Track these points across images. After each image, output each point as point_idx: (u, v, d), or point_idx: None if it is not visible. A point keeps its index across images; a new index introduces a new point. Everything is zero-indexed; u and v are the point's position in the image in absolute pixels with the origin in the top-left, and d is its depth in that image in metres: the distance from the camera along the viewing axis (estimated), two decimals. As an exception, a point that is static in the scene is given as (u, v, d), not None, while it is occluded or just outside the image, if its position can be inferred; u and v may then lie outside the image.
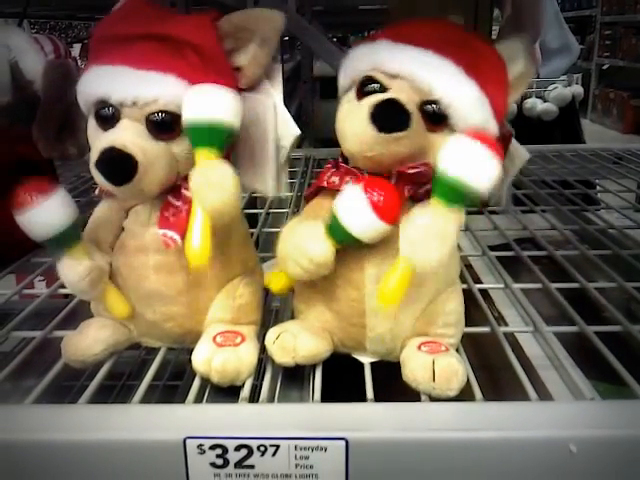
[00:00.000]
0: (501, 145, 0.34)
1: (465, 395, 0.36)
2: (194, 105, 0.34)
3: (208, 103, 0.34)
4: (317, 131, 1.62)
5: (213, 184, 0.34)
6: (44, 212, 0.35)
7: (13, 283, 0.56)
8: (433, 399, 0.36)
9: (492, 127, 0.36)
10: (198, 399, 0.37)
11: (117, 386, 0.84)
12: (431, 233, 0.33)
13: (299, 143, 0.42)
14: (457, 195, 0.33)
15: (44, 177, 0.36)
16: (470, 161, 0.33)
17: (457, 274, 0.42)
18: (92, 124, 0.38)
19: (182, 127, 0.35)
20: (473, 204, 0.34)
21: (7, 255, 0.57)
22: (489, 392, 0.36)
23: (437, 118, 0.36)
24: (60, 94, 0.58)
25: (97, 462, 0.32)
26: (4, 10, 1.24)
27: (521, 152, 0.45)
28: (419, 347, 0.38)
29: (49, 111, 0.58)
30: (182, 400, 0.36)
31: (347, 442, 0.31)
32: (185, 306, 0.39)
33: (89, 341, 0.39)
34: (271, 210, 0.73)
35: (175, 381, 0.79)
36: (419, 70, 0.36)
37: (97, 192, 0.40)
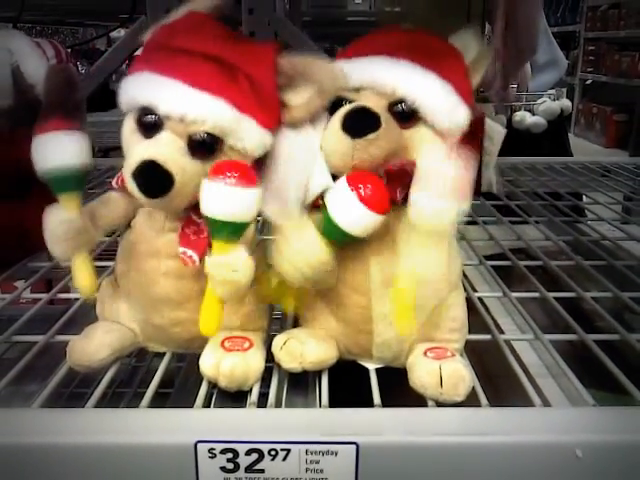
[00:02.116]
0: (475, 126, 0.37)
1: (469, 401, 0.37)
2: (216, 201, 0.34)
3: (228, 202, 0.34)
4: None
5: (226, 277, 0.35)
6: (61, 140, 0.36)
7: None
8: (440, 405, 0.36)
9: (462, 111, 0.38)
10: (205, 405, 0.37)
11: (108, 393, 0.83)
12: (427, 243, 0.35)
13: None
14: (438, 224, 0.35)
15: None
16: (441, 186, 0.34)
17: (459, 278, 0.42)
18: (131, 126, 0.37)
19: (220, 150, 0.36)
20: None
21: (6, 258, 0.57)
22: (489, 398, 0.37)
23: (407, 115, 0.37)
24: (61, 99, 0.58)
25: (108, 466, 0.32)
26: (-4, 15, 1.23)
27: (497, 128, 0.46)
28: (425, 353, 0.38)
29: (50, 115, 0.58)
30: (174, 406, 0.36)
31: (358, 446, 0.32)
32: (193, 311, 0.39)
33: (95, 346, 0.39)
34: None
35: (166, 389, 0.79)
36: (377, 76, 0.38)
37: (114, 183, 0.40)
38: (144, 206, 0.39)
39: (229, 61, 0.36)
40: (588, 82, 4.63)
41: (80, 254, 0.38)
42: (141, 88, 0.37)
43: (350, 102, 0.38)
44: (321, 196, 0.39)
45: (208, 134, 0.36)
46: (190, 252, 0.37)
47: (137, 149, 0.36)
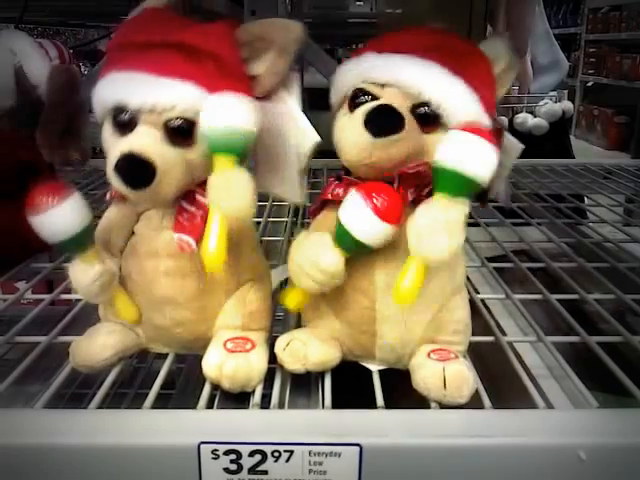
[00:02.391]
0: (496, 137, 0.35)
1: (472, 403, 0.37)
2: (212, 112, 0.35)
3: (226, 110, 0.35)
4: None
5: (230, 191, 0.34)
6: (59, 215, 0.35)
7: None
8: (443, 406, 0.36)
9: (484, 122, 0.37)
10: (208, 406, 0.37)
11: (109, 394, 0.83)
12: (438, 225, 0.34)
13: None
14: (458, 186, 0.34)
15: (58, 180, 0.36)
16: (467, 151, 0.33)
17: (463, 279, 0.42)
18: (108, 130, 0.38)
19: (198, 134, 0.36)
20: (474, 194, 0.35)
21: (8, 259, 0.57)
22: (492, 400, 0.37)
23: (430, 119, 0.37)
24: (64, 99, 0.58)
25: (110, 467, 0.32)
26: (-2, 15, 1.24)
27: (514, 144, 0.46)
28: (429, 355, 0.38)
29: (53, 116, 0.58)
30: (175, 407, 0.36)
31: (361, 448, 0.32)
32: (195, 312, 0.39)
33: (98, 346, 0.39)
34: (270, 219, 0.73)
35: (167, 390, 0.79)
36: (406, 75, 0.37)
37: (108, 196, 0.40)
38: (134, 201, 0.39)
39: (190, 44, 0.36)
40: (589, 84, 4.63)
41: (112, 292, 0.39)
42: (110, 89, 0.37)
43: (372, 96, 0.37)
44: (331, 189, 0.39)
45: (182, 119, 0.36)
46: (186, 237, 0.37)
47: (115, 147, 0.36)
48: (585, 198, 0.94)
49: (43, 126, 0.58)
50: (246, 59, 0.38)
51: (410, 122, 0.36)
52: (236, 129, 0.34)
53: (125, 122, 0.36)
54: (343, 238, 0.35)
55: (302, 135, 0.39)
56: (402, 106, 0.36)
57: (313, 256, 0.36)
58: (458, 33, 0.40)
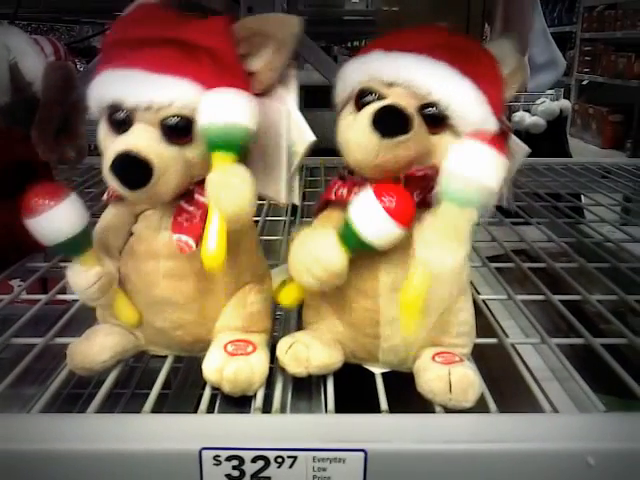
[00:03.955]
0: (503, 142, 0.35)
1: (477, 406, 0.36)
2: (210, 108, 0.34)
3: (224, 106, 0.34)
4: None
5: (230, 189, 0.34)
6: (56, 217, 0.34)
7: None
8: (448, 410, 0.36)
9: (491, 124, 0.37)
10: (209, 409, 0.36)
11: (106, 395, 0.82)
12: (447, 235, 0.33)
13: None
14: (468, 196, 0.33)
15: (54, 179, 0.35)
16: (478, 161, 0.33)
17: (467, 282, 0.42)
18: (104, 128, 0.37)
19: (196, 132, 0.35)
20: (485, 204, 0.34)
21: (2, 258, 0.56)
22: (496, 403, 0.36)
23: (437, 120, 0.36)
24: (60, 96, 0.57)
25: (111, 472, 0.31)
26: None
27: (521, 146, 0.45)
28: (433, 357, 0.37)
29: (48, 113, 0.57)
30: (172, 409, 0.35)
31: (366, 454, 0.31)
32: (195, 313, 0.39)
33: (96, 348, 0.39)
34: (268, 218, 0.73)
35: (163, 390, 0.78)
36: (414, 75, 0.36)
37: (106, 196, 0.40)
38: (132, 202, 0.38)
39: (185, 41, 0.36)
40: (584, 82, 4.64)
41: (112, 294, 0.38)
42: (105, 87, 0.36)
43: (379, 96, 0.37)
44: (335, 190, 0.39)
45: (179, 117, 0.35)
46: (185, 238, 0.37)
47: (111, 146, 0.35)
48: (582, 197, 0.94)
49: (38, 124, 0.57)
50: (244, 55, 0.38)
51: (417, 123, 0.35)
52: (235, 126, 0.34)
53: (121, 120, 0.36)
54: (350, 237, 0.35)
55: (298, 134, 0.39)
56: (409, 105, 0.35)
57: (316, 253, 0.35)
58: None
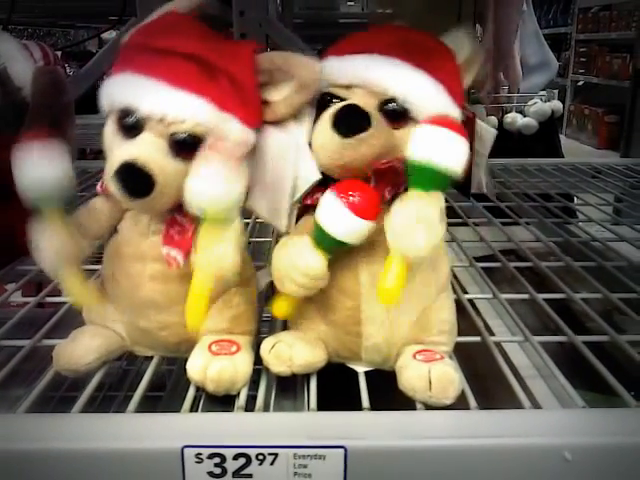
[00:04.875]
0: (464, 127, 0.35)
1: (458, 403, 0.37)
2: (198, 186, 0.34)
3: (210, 184, 0.34)
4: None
5: (214, 255, 0.35)
6: (36, 153, 0.34)
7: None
8: (429, 407, 0.36)
9: (453, 112, 0.38)
10: (192, 409, 0.37)
11: (98, 397, 0.83)
12: (414, 221, 0.34)
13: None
14: (431, 180, 0.34)
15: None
16: (437, 144, 0.34)
17: (448, 280, 0.42)
18: (111, 129, 0.37)
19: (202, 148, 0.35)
20: (454, 186, 0.35)
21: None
22: (478, 400, 0.37)
23: (398, 114, 0.37)
24: (49, 101, 0.57)
25: (94, 471, 0.31)
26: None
27: (488, 129, 0.46)
28: (414, 355, 0.38)
29: (37, 118, 0.57)
30: (165, 410, 0.36)
31: (346, 450, 0.31)
32: (180, 315, 0.39)
33: (82, 350, 0.39)
34: (258, 220, 0.73)
35: (157, 392, 0.78)
36: (369, 74, 0.37)
37: (99, 187, 0.40)
38: (127, 208, 0.39)
39: (208, 60, 0.36)
40: (580, 83, 4.65)
41: (69, 267, 0.38)
42: (121, 89, 0.36)
43: (340, 99, 0.38)
44: (312, 194, 0.39)
45: (189, 134, 0.35)
46: (174, 252, 0.37)
47: (118, 151, 0.35)
48: (574, 197, 0.94)
49: (28, 128, 0.57)
50: (263, 84, 0.38)
51: (378, 119, 0.36)
52: (219, 201, 0.34)
53: (131, 126, 0.36)
54: (322, 238, 0.35)
55: (304, 170, 0.39)
56: (368, 104, 0.36)
57: (294, 259, 0.36)
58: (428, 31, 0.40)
